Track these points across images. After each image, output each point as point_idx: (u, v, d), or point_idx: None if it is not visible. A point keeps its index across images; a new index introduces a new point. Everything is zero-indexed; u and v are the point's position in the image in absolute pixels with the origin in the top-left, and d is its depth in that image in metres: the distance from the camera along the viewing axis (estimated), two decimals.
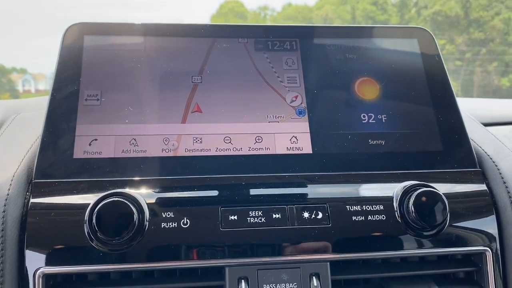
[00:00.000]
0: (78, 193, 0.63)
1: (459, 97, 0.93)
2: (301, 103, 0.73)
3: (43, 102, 0.95)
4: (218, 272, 0.63)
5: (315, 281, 0.62)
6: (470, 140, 0.74)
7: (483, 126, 0.84)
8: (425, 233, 0.65)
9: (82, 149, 0.67)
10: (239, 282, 0.61)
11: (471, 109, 0.96)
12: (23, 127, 0.79)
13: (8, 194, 0.62)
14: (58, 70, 0.72)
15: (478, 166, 0.72)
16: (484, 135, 0.79)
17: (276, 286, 0.62)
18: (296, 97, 0.73)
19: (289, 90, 0.74)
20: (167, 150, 0.68)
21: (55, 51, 0.74)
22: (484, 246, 0.67)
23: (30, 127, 0.77)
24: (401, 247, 0.65)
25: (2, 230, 0.60)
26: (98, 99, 0.70)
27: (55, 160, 0.66)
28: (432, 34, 0.81)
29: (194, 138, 0.69)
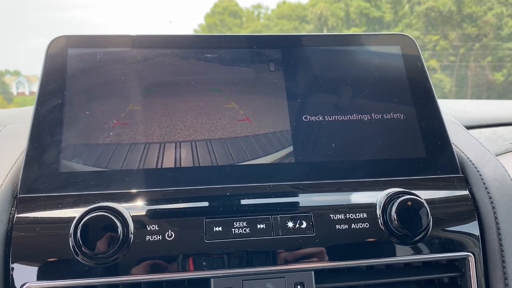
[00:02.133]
0: (63, 207, 0.64)
1: (453, 92, 0.94)
2: None
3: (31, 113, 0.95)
4: (204, 283, 0.63)
5: None
6: (453, 146, 0.75)
7: (466, 130, 0.84)
8: (408, 240, 0.66)
9: (67, 163, 0.67)
10: None
11: (455, 111, 0.97)
12: (9, 140, 0.79)
13: None
14: (42, 83, 0.72)
15: (460, 172, 0.73)
16: (467, 140, 0.80)
17: None
18: None
19: None
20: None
21: None
22: (467, 251, 0.67)
23: (16, 140, 0.78)
24: (385, 255, 0.66)
25: None
26: (82, 113, 0.70)
27: (40, 174, 0.66)
28: (415, 41, 0.82)
29: None
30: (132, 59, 0.75)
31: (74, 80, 0.72)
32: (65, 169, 0.67)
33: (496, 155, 0.88)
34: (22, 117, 0.97)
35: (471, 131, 0.85)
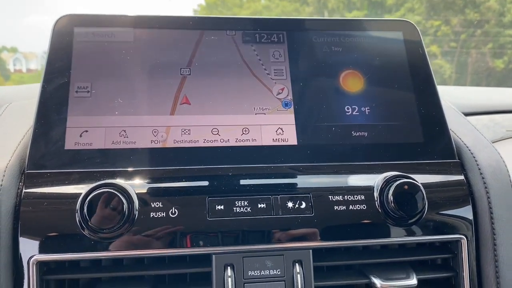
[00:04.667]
0: (69, 183, 0.65)
1: (453, 79, 0.95)
2: (287, 96, 0.75)
3: (34, 90, 0.97)
4: (206, 259, 0.65)
5: (298, 268, 0.65)
6: (450, 132, 0.76)
7: (464, 117, 0.86)
8: (403, 222, 0.68)
9: (73, 141, 0.68)
10: (225, 268, 0.64)
11: (455, 98, 0.98)
12: (15, 117, 0.80)
13: (1, 185, 0.64)
14: (49, 61, 0.73)
15: (457, 157, 0.75)
16: (464, 126, 0.82)
17: (260, 272, 0.65)
18: (282, 89, 0.75)
19: (275, 83, 0.76)
20: (156, 142, 0.70)
21: (46, 30, 0.75)
22: (460, 234, 0.70)
23: (22, 117, 0.79)
24: (380, 235, 0.68)
25: None
26: (88, 91, 0.72)
27: (47, 151, 0.67)
28: (417, 27, 0.83)
29: (183, 130, 0.71)
30: (136, 39, 0.75)
31: (80, 59, 0.73)
32: (71, 147, 0.68)
33: (493, 142, 0.90)
34: (24, 94, 0.98)
35: (469, 117, 0.87)
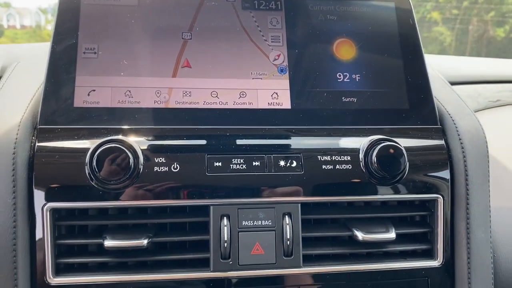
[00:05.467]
0: (79, 138, 0.71)
1: (453, 47, 0.99)
2: (283, 62, 0.79)
3: (40, 49, 1.01)
4: (204, 210, 0.72)
5: (287, 220, 0.71)
6: (435, 99, 0.82)
7: (449, 85, 0.91)
8: (386, 182, 0.74)
9: (81, 99, 0.73)
10: (221, 218, 0.70)
11: (444, 67, 1.03)
12: (25, 75, 0.84)
13: (16, 138, 0.69)
14: (57, 22, 0.77)
15: (439, 123, 0.80)
16: (448, 95, 0.87)
17: (253, 223, 0.71)
18: (278, 55, 0.80)
19: (272, 49, 0.80)
20: (159, 102, 0.75)
21: None
22: (437, 194, 0.76)
23: (31, 75, 0.83)
24: (364, 193, 0.75)
25: (13, 170, 0.67)
26: (95, 52, 0.76)
27: (57, 108, 0.72)
28: None
29: (184, 92, 0.76)
30: (140, 3, 0.79)
31: (87, 21, 0.77)
32: (79, 105, 0.73)
33: (475, 111, 0.96)
34: (31, 53, 1.02)
35: (454, 87, 0.91)
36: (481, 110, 1.01)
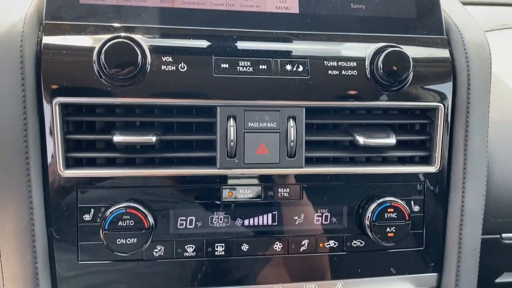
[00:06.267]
0: (86, 34, 0.70)
1: None
2: None
3: None
4: (210, 112, 0.73)
5: (291, 122, 0.73)
6: (442, 11, 0.81)
7: (458, 1, 0.90)
8: (390, 88, 0.75)
9: None
10: (228, 119, 0.72)
11: None
12: None
13: (23, 31, 0.68)
14: None
15: (445, 34, 0.80)
16: (455, 7, 0.86)
17: (259, 124, 0.73)
18: None
19: None
20: (165, 1, 0.74)
21: None
22: (439, 102, 0.78)
23: None
24: (368, 99, 0.76)
25: (21, 63, 0.67)
26: None
27: (63, 3, 0.71)
28: None
29: None
30: None
31: None
32: (85, 1, 0.72)
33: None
34: None
35: (465, 6, 0.90)
36: (488, 31, 1.00)
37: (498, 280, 1.01)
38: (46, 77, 0.69)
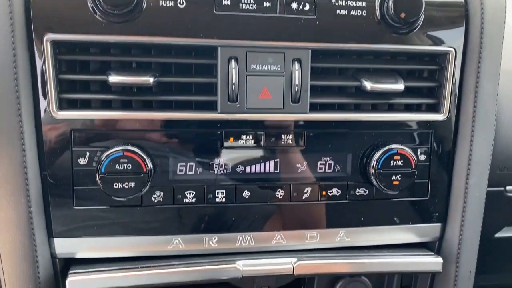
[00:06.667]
0: None
1: None
2: None
3: None
4: (211, 53, 0.69)
5: (296, 65, 0.69)
6: None
7: None
8: (400, 30, 0.72)
9: None
10: (229, 60, 0.68)
11: None
12: None
13: None
14: None
15: None
16: None
17: (262, 67, 0.69)
18: None
19: None
20: None
21: None
22: (450, 47, 0.74)
23: None
24: (377, 42, 0.72)
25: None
26: None
27: None
28: None
29: None
30: None
31: None
32: None
33: None
34: None
35: None
36: None
37: (497, 234, 1.01)
38: (36, 11, 0.64)
